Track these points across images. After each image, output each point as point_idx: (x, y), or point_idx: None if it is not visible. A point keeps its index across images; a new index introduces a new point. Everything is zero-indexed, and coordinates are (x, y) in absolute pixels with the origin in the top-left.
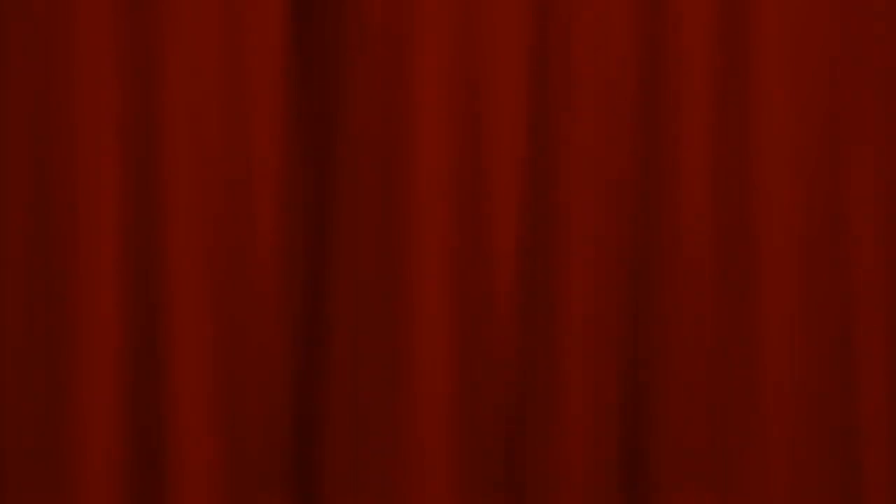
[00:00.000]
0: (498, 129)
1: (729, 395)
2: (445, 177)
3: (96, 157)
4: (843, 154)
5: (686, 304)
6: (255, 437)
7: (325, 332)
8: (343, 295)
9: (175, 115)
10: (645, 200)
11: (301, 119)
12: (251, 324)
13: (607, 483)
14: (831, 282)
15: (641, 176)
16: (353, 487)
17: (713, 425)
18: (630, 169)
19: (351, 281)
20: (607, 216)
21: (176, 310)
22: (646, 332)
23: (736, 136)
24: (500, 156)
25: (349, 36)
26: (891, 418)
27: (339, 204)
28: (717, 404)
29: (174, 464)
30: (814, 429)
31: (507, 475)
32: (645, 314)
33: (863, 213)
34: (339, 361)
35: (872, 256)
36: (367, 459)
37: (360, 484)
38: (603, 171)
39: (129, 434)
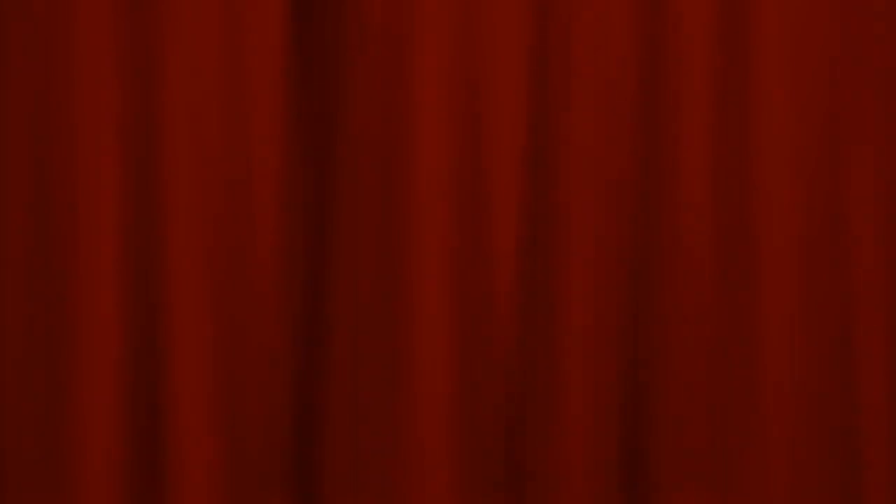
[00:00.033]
0: (498, 129)
1: (729, 395)
2: (445, 177)
3: (96, 157)
4: (843, 154)
5: (686, 304)
6: (255, 437)
7: (325, 332)
8: (343, 295)
9: (175, 115)
10: (645, 200)
11: (301, 119)
12: (251, 324)
13: (607, 483)
14: (831, 282)
15: (641, 176)
16: (353, 487)
17: (713, 425)
18: (630, 169)
19: (351, 281)
20: (607, 216)
21: (176, 310)
22: (646, 332)
23: (736, 136)
24: (500, 156)
25: (349, 36)
26: (891, 418)
27: (339, 204)
28: (717, 404)
29: (174, 464)
30: (814, 429)
31: (507, 475)
32: (645, 314)
33: (863, 213)
34: (339, 361)
35: (872, 256)
36: (367, 459)
37: (360, 484)
38: (603, 171)
39: (129, 434)
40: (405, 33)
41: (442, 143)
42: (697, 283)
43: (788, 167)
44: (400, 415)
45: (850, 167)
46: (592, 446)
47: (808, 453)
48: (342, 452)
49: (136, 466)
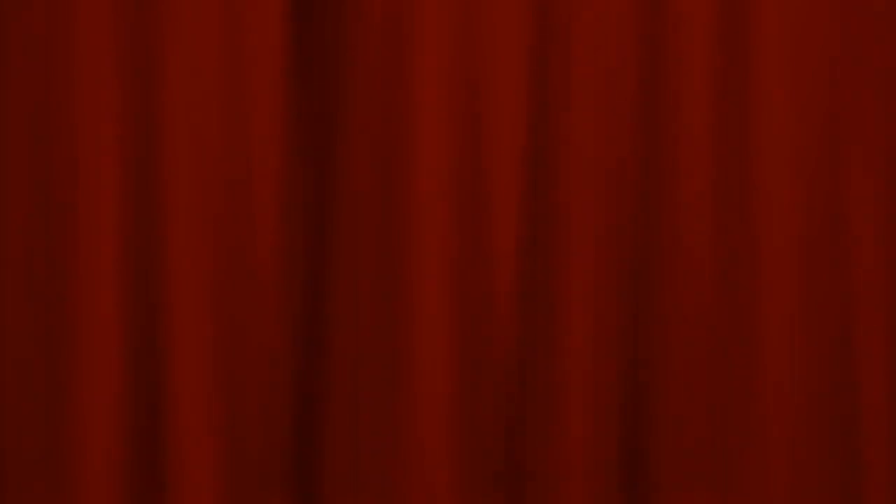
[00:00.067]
0: (498, 129)
1: (729, 395)
2: (445, 177)
3: (96, 157)
4: (843, 154)
5: (686, 304)
6: (255, 437)
7: (325, 332)
8: (343, 295)
9: (175, 115)
10: (645, 200)
11: (301, 119)
12: (251, 324)
13: (607, 483)
14: (831, 282)
15: (641, 176)
16: (353, 487)
17: (713, 425)
18: (630, 169)
19: (351, 281)
20: (607, 216)
21: (176, 310)
22: (646, 332)
23: (736, 136)
24: (500, 156)
25: (349, 36)
26: (891, 418)
27: (339, 204)
28: (717, 404)
29: (174, 464)
30: (814, 429)
31: (508, 475)
32: (645, 314)
33: (863, 213)
34: (339, 361)
35: (872, 256)
36: (367, 459)
37: (360, 484)
38: (603, 171)
39: (129, 434)
40: (405, 33)
41: (442, 143)
42: (697, 283)
43: (788, 167)
44: (400, 415)
45: (850, 167)
46: (592, 446)
47: (808, 453)
48: (342, 452)
49: (136, 466)
